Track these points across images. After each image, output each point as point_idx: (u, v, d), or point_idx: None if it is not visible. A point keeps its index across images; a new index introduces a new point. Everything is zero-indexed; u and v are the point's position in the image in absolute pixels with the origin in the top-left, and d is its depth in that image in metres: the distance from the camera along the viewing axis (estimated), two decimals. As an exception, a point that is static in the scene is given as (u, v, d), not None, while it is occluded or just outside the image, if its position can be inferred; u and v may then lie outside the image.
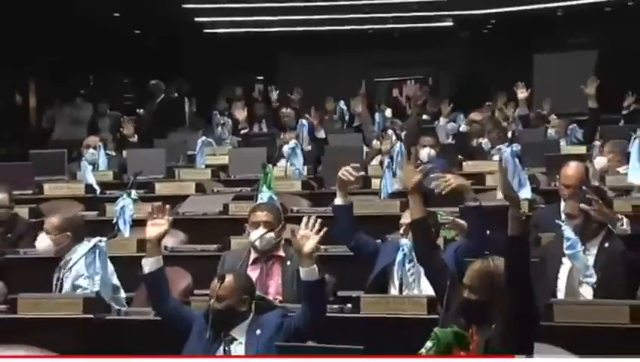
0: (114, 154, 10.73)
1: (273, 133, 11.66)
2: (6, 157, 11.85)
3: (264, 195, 6.58)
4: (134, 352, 5.04)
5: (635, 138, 7.30)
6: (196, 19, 17.17)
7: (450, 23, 18.13)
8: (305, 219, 4.67)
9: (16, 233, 6.80)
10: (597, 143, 9.73)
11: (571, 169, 6.30)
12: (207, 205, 7.81)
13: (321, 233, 4.57)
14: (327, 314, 5.02)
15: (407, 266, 5.33)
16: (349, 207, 5.55)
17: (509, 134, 10.34)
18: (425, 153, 8.64)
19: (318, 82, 14.31)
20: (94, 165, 9.55)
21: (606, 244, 5.28)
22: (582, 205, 5.25)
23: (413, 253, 5.17)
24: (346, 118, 12.84)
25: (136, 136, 12.07)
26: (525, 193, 6.97)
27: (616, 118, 11.74)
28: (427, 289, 5.10)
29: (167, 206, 4.98)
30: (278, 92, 12.77)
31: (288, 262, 5.44)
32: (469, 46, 18.75)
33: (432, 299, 4.77)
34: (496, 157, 8.77)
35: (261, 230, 5.45)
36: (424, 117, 12.66)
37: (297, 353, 4.20)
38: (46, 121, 15.40)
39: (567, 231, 5.13)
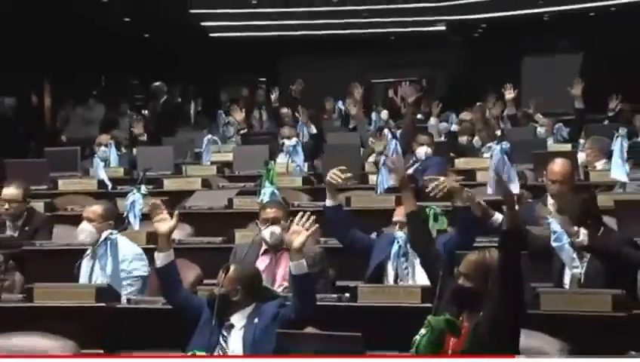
0: (133, 151, 10.72)
1: (274, 131, 11.67)
2: (23, 154, 11.86)
3: (267, 190, 6.59)
4: (143, 339, 5.08)
5: (617, 136, 7.29)
6: (202, 23, 17.16)
7: (443, 28, 18.11)
8: (298, 216, 4.70)
9: (33, 226, 6.80)
10: (582, 141, 9.76)
11: (557, 165, 6.31)
12: (213, 200, 7.81)
13: (311, 230, 4.60)
14: (327, 304, 5.05)
15: (402, 258, 5.34)
16: (338, 207, 5.60)
17: (498, 133, 10.35)
18: (422, 151, 8.66)
19: (318, 83, 14.29)
20: (106, 162, 9.54)
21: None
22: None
23: (408, 246, 5.19)
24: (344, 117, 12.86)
25: (145, 135, 12.09)
26: (514, 188, 6.98)
27: (600, 118, 11.75)
28: (421, 280, 5.12)
29: (159, 202, 5.03)
30: (279, 94, 12.77)
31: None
32: (460, 49, 18.74)
33: (426, 288, 4.78)
34: (486, 155, 8.78)
35: (274, 227, 5.46)
36: (418, 116, 12.66)
37: (296, 340, 4.22)
38: (60, 121, 15.42)
39: (554, 225, 5.13)
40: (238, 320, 4.58)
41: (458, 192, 5.16)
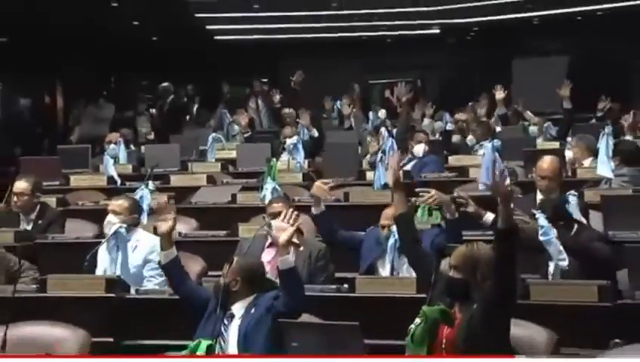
0: (142, 149, 10.71)
1: (276, 130, 11.67)
2: (37, 151, 11.87)
3: (268, 186, 6.59)
4: (151, 328, 5.09)
5: (603, 134, 7.30)
6: (207, 27, 17.15)
7: (437, 31, 18.11)
8: (282, 214, 4.73)
9: (46, 220, 6.79)
10: (569, 139, 9.76)
11: (546, 162, 6.32)
12: (217, 195, 7.82)
13: (296, 225, 4.62)
14: (327, 294, 5.05)
15: (398, 251, 5.33)
16: (321, 215, 5.61)
17: (499, 129, 10.41)
18: (420, 149, 8.68)
19: (318, 84, 14.29)
20: (115, 159, 9.54)
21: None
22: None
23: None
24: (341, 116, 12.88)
25: (152, 133, 12.12)
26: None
27: (587, 117, 11.77)
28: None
29: (166, 200, 5.05)
30: (281, 96, 12.76)
31: (301, 248, 5.47)
32: (454, 51, 18.73)
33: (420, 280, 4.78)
34: (480, 152, 8.78)
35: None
36: (414, 116, 12.66)
37: (297, 329, 4.21)
38: (72, 120, 15.41)
39: (542, 220, 5.13)
40: (238, 309, 4.59)
41: (447, 204, 5.18)
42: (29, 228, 6.71)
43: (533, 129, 10.79)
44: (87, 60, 15.57)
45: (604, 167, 7.09)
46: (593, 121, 11.18)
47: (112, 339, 5.02)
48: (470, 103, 13.13)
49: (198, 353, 4.13)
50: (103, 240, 5.76)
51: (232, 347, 4.50)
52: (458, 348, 3.89)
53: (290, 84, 12.07)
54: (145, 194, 6.64)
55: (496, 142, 7.44)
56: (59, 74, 16.53)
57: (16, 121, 14.54)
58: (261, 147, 9.57)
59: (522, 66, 17.49)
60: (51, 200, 7.44)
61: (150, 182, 6.88)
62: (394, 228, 5.31)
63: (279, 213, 5.46)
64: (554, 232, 5.08)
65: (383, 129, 9.40)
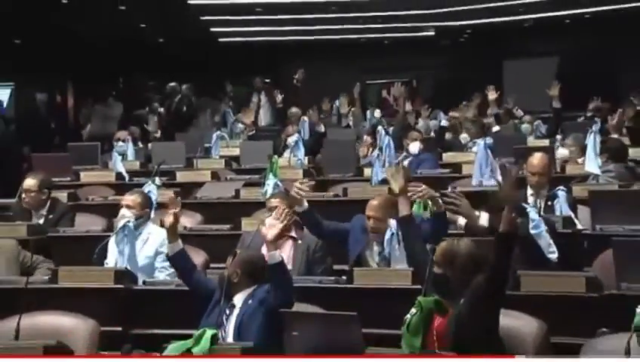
0: (149, 146, 10.70)
1: (278, 128, 11.67)
2: (48, 148, 11.86)
3: (270, 182, 6.58)
4: (158, 318, 5.09)
5: (590, 132, 7.30)
6: (211, 29, 17.14)
7: (432, 33, 18.11)
8: (275, 211, 4.77)
9: (57, 214, 6.79)
10: (558, 137, 9.78)
11: (536, 159, 6.33)
12: (221, 190, 7.81)
13: (284, 223, 4.64)
14: (326, 286, 5.05)
15: (395, 244, 5.32)
16: (304, 212, 5.53)
17: (496, 128, 10.43)
18: (415, 146, 8.69)
19: (318, 84, 14.30)
20: (123, 156, 9.53)
21: None
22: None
23: (400, 234, 5.16)
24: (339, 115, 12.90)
25: (159, 131, 12.13)
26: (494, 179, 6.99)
27: (575, 116, 11.79)
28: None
29: (175, 196, 5.08)
30: (283, 96, 12.77)
31: (299, 241, 5.48)
32: (448, 53, 18.73)
33: (416, 272, 4.78)
34: (474, 149, 8.78)
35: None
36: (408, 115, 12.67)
37: (297, 319, 4.21)
38: (82, 118, 15.39)
39: (532, 213, 5.12)
40: (238, 300, 4.61)
41: (435, 201, 5.17)
42: (41, 222, 6.70)
43: (526, 127, 10.81)
44: (96, 60, 15.56)
45: (592, 164, 7.10)
46: (582, 119, 11.17)
47: (120, 328, 5.02)
48: (464, 103, 13.13)
49: (202, 342, 4.12)
50: (111, 234, 5.76)
51: (231, 336, 4.51)
52: (448, 340, 3.89)
53: (293, 81, 12.09)
54: (152, 189, 6.63)
55: (489, 140, 7.45)
56: (70, 74, 16.51)
57: (31, 117, 14.50)
58: (263, 144, 9.56)
59: (513, 67, 17.51)
60: (62, 195, 7.43)
61: (157, 178, 6.87)
62: (392, 222, 5.27)
63: (275, 208, 5.46)
64: (544, 226, 5.07)
65: (380, 127, 9.38)
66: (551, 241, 5.12)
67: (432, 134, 11.70)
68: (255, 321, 4.49)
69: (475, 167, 7.32)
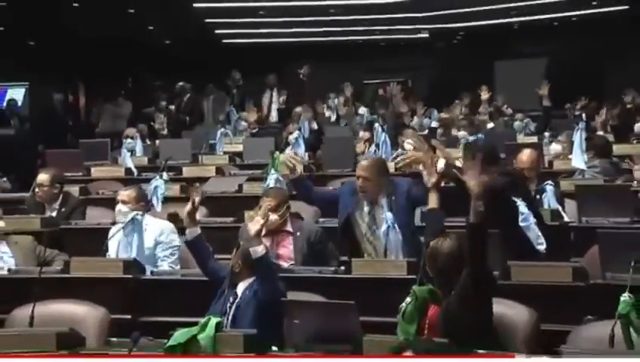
0: (156, 143, 10.71)
1: (280, 126, 11.69)
2: (60, 145, 11.86)
3: (272, 177, 6.58)
4: (164, 307, 5.09)
5: (577, 129, 7.31)
6: (216, 31, 17.13)
7: (427, 35, 18.10)
8: (261, 208, 4.81)
9: (69, 208, 6.79)
10: (547, 134, 9.79)
11: (525, 155, 6.35)
12: (225, 185, 7.82)
13: (266, 219, 4.68)
14: (325, 276, 5.04)
15: (391, 235, 5.32)
16: (296, 179, 5.54)
17: (490, 126, 10.45)
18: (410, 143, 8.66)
19: (318, 84, 14.31)
20: (132, 152, 9.54)
21: None
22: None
23: (396, 226, 5.15)
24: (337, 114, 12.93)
25: (166, 129, 12.16)
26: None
27: (565, 114, 11.82)
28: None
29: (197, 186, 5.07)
30: (284, 97, 12.77)
31: (298, 233, 5.46)
32: (442, 54, 18.72)
33: (411, 262, 4.78)
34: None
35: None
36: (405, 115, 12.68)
37: (297, 307, 4.21)
38: (93, 116, 15.40)
39: (522, 207, 5.13)
40: (240, 290, 4.62)
41: (424, 162, 5.05)
42: (54, 215, 6.71)
43: (518, 124, 10.84)
44: (106, 62, 15.55)
45: (578, 160, 7.11)
46: (571, 117, 11.20)
47: (129, 316, 5.02)
48: (456, 101, 13.14)
49: (207, 329, 4.12)
50: (114, 227, 5.75)
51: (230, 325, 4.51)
52: (440, 330, 3.89)
53: (299, 76, 12.08)
54: (159, 184, 6.63)
55: (480, 136, 7.47)
56: (81, 74, 16.51)
57: (45, 116, 14.49)
58: (265, 141, 9.58)
59: (504, 67, 17.50)
60: (74, 190, 7.44)
61: (164, 173, 6.86)
62: (388, 214, 5.23)
63: (269, 207, 5.43)
64: (533, 219, 5.07)
65: (376, 124, 9.38)
66: (539, 233, 5.12)
67: (426, 132, 11.71)
68: (248, 312, 4.49)
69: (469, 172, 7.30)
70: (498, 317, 3.99)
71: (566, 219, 6.00)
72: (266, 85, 13.95)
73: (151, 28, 16.41)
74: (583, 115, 8.58)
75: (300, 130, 10.18)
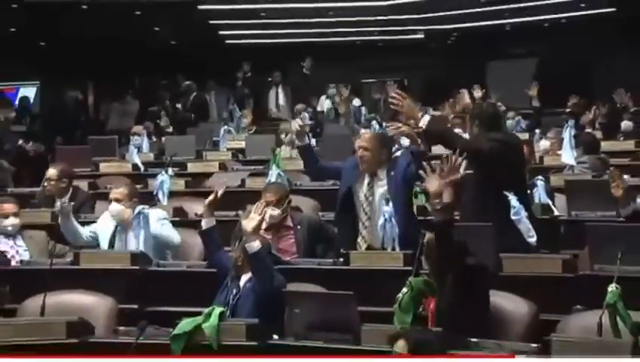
0: (162, 140, 10.71)
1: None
2: (70, 141, 11.87)
3: (273, 172, 6.58)
4: (170, 297, 5.09)
5: (567, 126, 7.32)
6: (220, 32, 17.12)
7: (422, 36, 18.10)
8: (255, 205, 4.79)
9: (78, 202, 6.77)
10: (537, 131, 9.79)
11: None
12: (228, 180, 7.80)
13: (262, 216, 4.67)
14: (324, 267, 5.04)
15: (388, 227, 5.31)
16: (304, 146, 5.59)
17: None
18: (406, 140, 8.64)
19: (318, 84, 14.31)
20: (139, 148, 9.53)
21: None
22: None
23: (393, 219, 5.14)
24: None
25: (171, 127, 12.18)
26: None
27: (555, 112, 11.81)
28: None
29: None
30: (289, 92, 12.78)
31: (299, 226, 5.46)
32: (436, 54, 18.70)
33: (408, 254, 4.77)
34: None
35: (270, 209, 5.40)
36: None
37: (297, 297, 4.22)
38: (101, 114, 15.39)
39: (513, 201, 5.11)
40: (243, 281, 4.62)
41: (412, 135, 5.20)
42: (64, 208, 6.69)
43: (510, 122, 10.84)
44: (114, 62, 15.56)
45: (568, 155, 7.11)
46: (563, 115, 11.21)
47: (136, 306, 5.03)
48: (451, 100, 13.11)
49: (211, 318, 4.12)
50: (108, 222, 5.74)
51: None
52: (438, 321, 3.90)
53: (302, 70, 12.05)
54: (165, 179, 6.65)
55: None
56: (90, 74, 16.50)
57: (55, 113, 14.49)
58: (267, 138, 9.58)
59: (496, 67, 17.49)
60: (83, 184, 7.44)
61: (170, 169, 6.88)
62: (386, 208, 5.21)
63: (269, 202, 5.42)
64: (524, 212, 5.06)
65: (374, 122, 9.38)
66: (530, 226, 5.11)
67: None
68: (247, 304, 4.50)
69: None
70: (498, 310, 4.00)
71: (556, 212, 6.00)
72: (272, 82, 13.96)
73: (157, 29, 16.40)
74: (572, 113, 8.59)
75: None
